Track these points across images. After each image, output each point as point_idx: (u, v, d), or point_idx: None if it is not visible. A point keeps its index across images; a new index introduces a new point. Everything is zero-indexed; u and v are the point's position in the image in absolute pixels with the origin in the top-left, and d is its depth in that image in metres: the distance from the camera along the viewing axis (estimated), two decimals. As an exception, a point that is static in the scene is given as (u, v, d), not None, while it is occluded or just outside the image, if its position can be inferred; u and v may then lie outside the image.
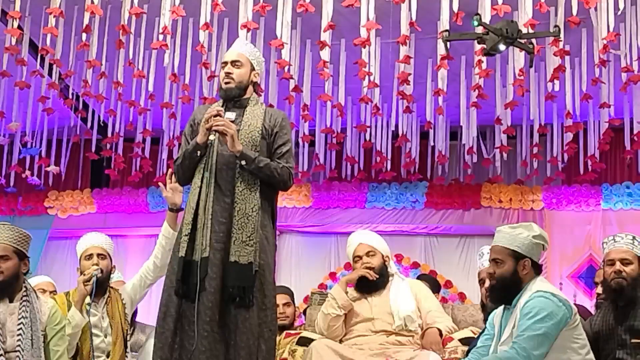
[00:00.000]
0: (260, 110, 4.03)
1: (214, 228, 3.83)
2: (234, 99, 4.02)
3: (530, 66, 5.15)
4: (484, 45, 4.77)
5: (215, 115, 3.86)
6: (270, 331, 3.87)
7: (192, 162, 3.97)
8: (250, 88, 4.08)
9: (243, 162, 3.86)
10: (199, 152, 3.94)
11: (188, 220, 3.86)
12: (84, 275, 4.42)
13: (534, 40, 5.06)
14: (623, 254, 4.11)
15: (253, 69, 4.06)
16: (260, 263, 3.83)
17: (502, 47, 4.67)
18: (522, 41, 4.78)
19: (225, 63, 4.05)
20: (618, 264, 4.08)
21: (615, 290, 4.07)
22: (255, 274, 3.81)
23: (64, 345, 4.11)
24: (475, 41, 5.12)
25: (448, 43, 5.06)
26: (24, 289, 4.08)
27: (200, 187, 3.89)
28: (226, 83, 4.01)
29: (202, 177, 3.90)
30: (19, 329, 3.94)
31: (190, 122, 4.14)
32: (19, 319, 3.97)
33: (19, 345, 3.90)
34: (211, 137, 3.92)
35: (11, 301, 4.03)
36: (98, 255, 4.53)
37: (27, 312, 3.99)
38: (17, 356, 3.89)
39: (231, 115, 3.96)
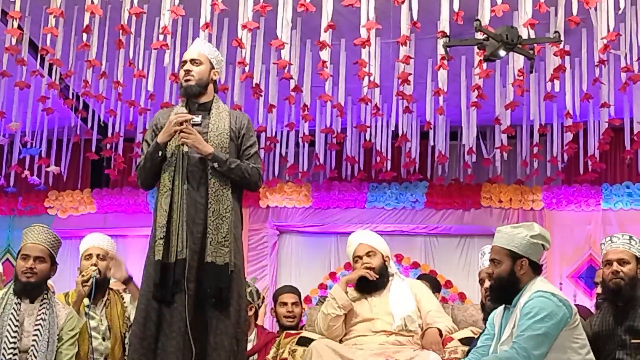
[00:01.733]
0: (225, 113, 4.07)
1: (190, 230, 3.84)
2: (195, 97, 4.04)
3: (531, 72, 5.15)
4: (485, 51, 4.76)
5: (181, 123, 3.89)
6: (243, 332, 3.94)
7: (154, 163, 3.98)
8: (211, 87, 4.12)
9: (215, 165, 3.89)
10: (160, 152, 3.95)
11: (162, 223, 3.87)
12: (83, 276, 4.42)
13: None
14: (620, 254, 4.12)
15: (213, 67, 4.10)
16: (235, 263, 3.86)
17: (502, 53, 4.67)
18: (524, 47, 4.77)
19: (185, 62, 4.09)
20: (615, 264, 4.09)
21: (614, 291, 4.08)
22: (231, 274, 3.83)
23: (73, 351, 4.15)
24: (476, 47, 5.14)
25: (448, 48, 5.06)
26: (45, 291, 4.14)
27: (172, 190, 3.90)
28: (186, 81, 4.06)
29: (173, 179, 3.91)
30: (35, 330, 3.99)
31: (152, 128, 4.17)
32: (37, 320, 4.02)
33: (33, 346, 3.96)
34: (185, 149, 3.93)
35: (32, 302, 4.06)
36: (97, 255, 4.53)
37: (46, 314, 4.04)
38: (31, 356, 3.91)
39: (197, 118, 3.99)
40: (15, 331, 3.95)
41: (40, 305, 4.06)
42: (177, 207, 3.87)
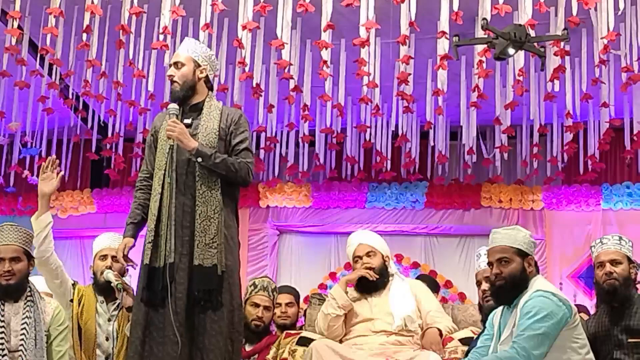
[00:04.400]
0: (217, 112, 4.01)
1: (179, 233, 3.82)
2: (183, 99, 4.00)
3: (542, 69, 5.13)
4: (494, 49, 4.75)
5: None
6: (238, 332, 3.89)
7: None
8: (202, 86, 4.05)
9: (199, 160, 3.85)
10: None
11: (151, 227, 3.86)
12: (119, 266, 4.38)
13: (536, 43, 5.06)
14: (612, 254, 4.11)
15: (198, 65, 4.03)
16: (226, 264, 3.83)
17: (511, 51, 4.66)
18: (533, 44, 4.77)
19: (170, 66, 4.06)
20: (608, 265, 4.08)
21: (609, 292, 4.07)
22: (222, 275, 3.80)
23: (66, 346, 4.13)
24: (486, 45, 5.14)
25: (457, 48, 5.05)
26: (28, 289, 4.10)
27: (162, 193, 3.87)
28: (172, 86, 4.02)
29: (163, 183, 3.88)
30: (22, 329, 3.96)
31: (151, 132, 4.14)
32: (23, 319, 3.99)
33: (22, 345, 3.92)
34: (170, 142, 3.92)
35: (16, 301, 4.04)
36: (112, 257, 4.52)
37: (31, 312, 4.01)
38: (20, 355, 3.91)
39: (187, 120, 3.96)
40: (2, 332, 3.93)
41: (25, 304, 4.03)
42: (166, 210, 3.84)
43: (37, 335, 3.98)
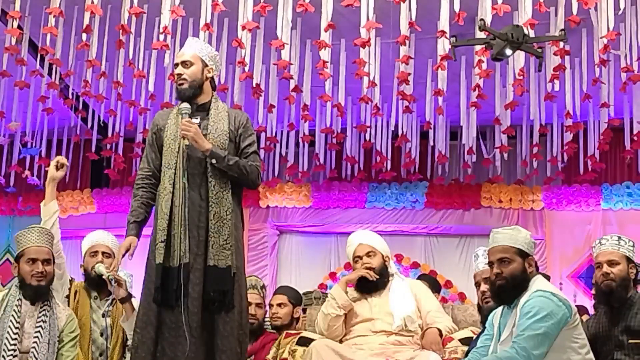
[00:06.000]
0: (224, 113, 4.03)
1: (193, 233, 3.82)
2: (191, 98, 3.99)
3: (539, 70, 5.14)
4: (491, 50, 4.75)
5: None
6: (245, 334, 3.92)
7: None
8: (208, 85, 4.06)
9: (214, 161, 3.86)
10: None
11: (163, 226, 3.84)
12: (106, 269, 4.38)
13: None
14: (609, 255, 4.12)
15: (206, 65, 4.04)
16: (237, 266, 3.84)
17: (508, 51, 4.66)
18: (531, 45, 4.77)
19: (177, 65, 4.05)
20: (605, 266, 4.09)
21: (606, 293, 4.07)
22: (234, 276, 3.82)
23: (74, 353, 4.14)
24: (483, 46, 5.14)
25: (454, 49, 5.05)
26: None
27: (173, 193, 3.87)
28: (180, 84, 4.01)
29: (174, 182, 3.88)
30: (36, 332, 3.98)
31: (152, 130, 4.12)
32: (38, 322, 4.01)
33: (34, 347, 3.95)
34: (185, 142, 3.92)
35: (33, 304, 4.05)
36: (103, 253, 4.52)
37: (47, 316, 4.04)
38: (31, 357, 3.92)
39: (196, 120, 3.96)
40: (16, 333, 3.95)
41: (41, 307, 4.06)
42: (179, 210, 3.84)
43: (50, 339, 4.00)
